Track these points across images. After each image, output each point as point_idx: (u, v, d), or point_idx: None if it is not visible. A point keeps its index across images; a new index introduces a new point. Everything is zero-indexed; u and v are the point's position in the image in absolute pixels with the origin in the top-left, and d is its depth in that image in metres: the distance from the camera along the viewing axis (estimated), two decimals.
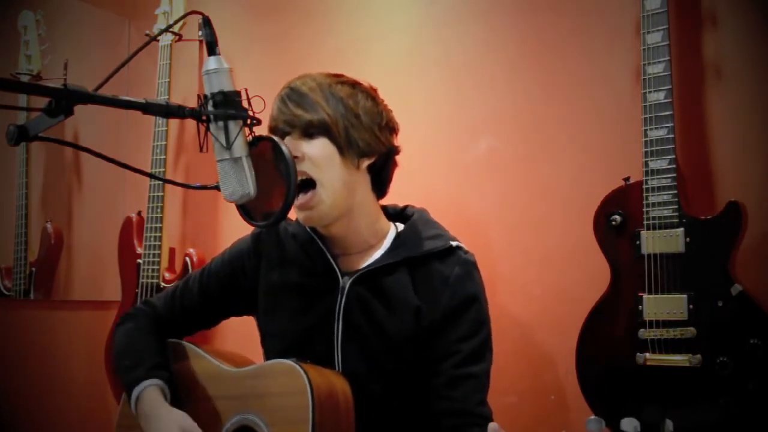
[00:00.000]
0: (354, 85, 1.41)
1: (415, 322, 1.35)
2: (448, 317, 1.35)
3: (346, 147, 1.35)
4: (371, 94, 1.42)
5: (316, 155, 1.34)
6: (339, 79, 1.40)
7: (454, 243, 1.40)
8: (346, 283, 1.38)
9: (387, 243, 1.44)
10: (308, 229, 1.44)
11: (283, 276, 1.45)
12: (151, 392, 1.37)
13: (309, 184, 1.34)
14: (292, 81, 1.40)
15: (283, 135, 1.36)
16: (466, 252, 1.42)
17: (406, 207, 1.53)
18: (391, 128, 1.45)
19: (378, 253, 1.42)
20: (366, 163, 1.39)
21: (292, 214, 1.37)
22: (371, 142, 1.38)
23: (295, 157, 1.31)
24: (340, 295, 1.38)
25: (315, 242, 1.43)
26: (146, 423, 1.35)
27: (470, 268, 1.39)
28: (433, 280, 1.37)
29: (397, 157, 1.48)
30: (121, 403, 1.49)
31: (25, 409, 2.46)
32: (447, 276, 1.37)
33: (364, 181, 1.42)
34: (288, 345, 1.40)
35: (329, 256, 1.41)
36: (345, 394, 1.32)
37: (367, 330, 1.36)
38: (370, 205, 1.44)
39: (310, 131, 1.34)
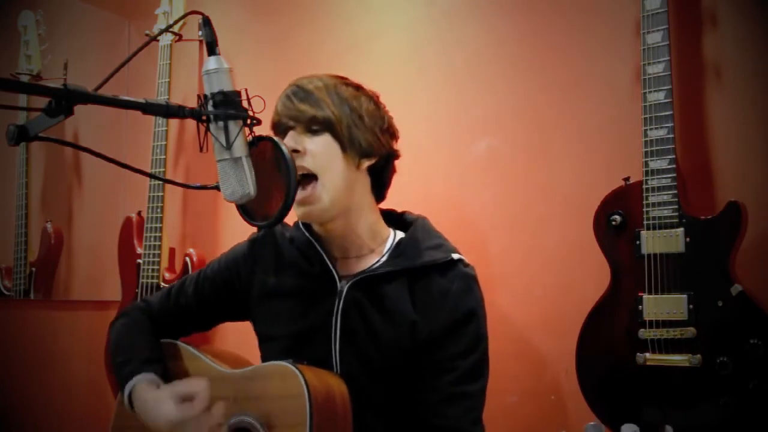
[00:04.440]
0: (358, 88, 1.42)
1: (411, 336, 1.34)
2: (447, 332, 1.34)
3: (349, 145, 1.35)
4: (374, 98, 1.44)
5: (319, 151, 1.34)
6: (344, 81, 1.41)
7: (455, 256, 1.39)
8: (343, 287, 1.37)
9: (386, 249, 1.43)
10: (306, 233, 1.44)
11: (280, 280, 1.44)
12: (144, 386, 1.35)
13: (309, 178, 1.34)
14: (298, 79, 1.41)
15: (286, 130, 1.37)
16: (467, 265, 1.40)
17: (403, 213, 1.52)
18: (392, 133, 1.45)
19: (377, 259, 1.41)
20: (366, 163, 1.40)
21: (290, 219, 1.36)
22: (373, 143, 1.39)
23: (297, 151, 1.33)
24: (337, 299, 1.37)
25: (313, 245, 1.42)
26: (143, 411, 1.33)
27: (470, 282, 1.38)
28: (432, 294, 1.36)
29: (397, 162, 1.48)
30: (116, 405, 1.48)
31: (25, 409, 2.47)
32: (447, 290, 1.35)
33: (363, 182, 1.42)
34: (286, 348, 1.40)
35: (327, 260, 1.40)
36: (342, 396, 1.31)
37: (363, 334, 1.35)
38: (369, 207, 1.43)
39: (313, 127, 1.35)
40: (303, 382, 1.25)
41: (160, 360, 1.44)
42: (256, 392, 1.33)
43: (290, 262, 1.44)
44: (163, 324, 1.53)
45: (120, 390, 1.41)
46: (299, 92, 1.37)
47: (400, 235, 1.46)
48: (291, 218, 1.40)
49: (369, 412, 1.34)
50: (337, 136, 1.35)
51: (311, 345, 1.38)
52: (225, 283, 1.50)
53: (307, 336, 1.39)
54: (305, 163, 1.33)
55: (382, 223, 1.47)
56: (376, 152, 1.40)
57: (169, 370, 1.45)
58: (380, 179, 1.46)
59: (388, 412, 1.36)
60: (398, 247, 1.42)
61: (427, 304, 1.36)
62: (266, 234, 1.50)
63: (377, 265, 1.40)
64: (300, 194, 1.33)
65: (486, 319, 1.39)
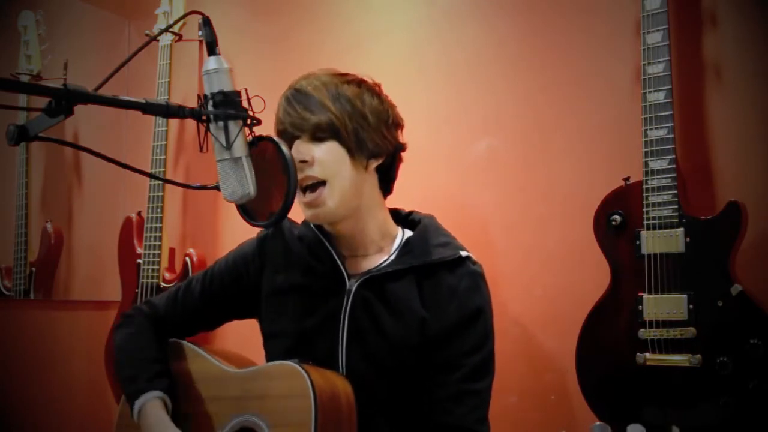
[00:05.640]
0: (360, 83, 1.40)
1: (420, 333, 1.34)
2: (455, 330, 1.34)
3: (356, 149, 1.35)
4: (376, 91, 1.42)
5: (327, 159, 1.33)
6: (344, 78, 1.39)
7: (463, 253, 1.39)
8: (352, 285, 1.37)
9: (395, 248, 1.43)
10: (316, 231, 1.44)
11: (289, 278, 1.44)
12: (153, 405, 1.36)
13: (317, 183, 1.34)
14: (297, 81, 1.39)
15: (292, 138, 1.35)
16: (474, 262, 1.40)
17: (411, 213, 1.52)
18: (397, 125, 1.44)
19: (386, 258, 1.41)
20: (375, 164, 1.40)
21: (298, 217, 1.36)
22: (380, 143, 1.38)
23: (305, 161, 1.32)
24: (346, 298, 1.37)
25: (323, 243, 1.42)
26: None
27: (478, 279, 1.38)
28: (440, 291, 1.36)
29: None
30: (120, 404, 1.48)
31: (25, 409, 2.46)
32: (455, 288, 1.36)
33: (371, 181, 1.41)
34: (292, 345, 1.40)
35: (336, 258, 1.40)
36: (347, 396, 1.31)
37: (371, 333, 1.35)
38: (377, 205, 1.43)
39: (319, 135, 1.34)
40: (308, 382, 1.25)
41: (166, 372, 1.44)
42: (261, 392, 1.33)
43: (299, 260, 1.44)
44: (169, 326, 1.53)
45: (127, 403, 1.42)
46: (299, 96, 1.36)
47: (408, 233, 1.46)
48: (299, 216, 1.40)
49: (375, 411, 1.34)
50: (343, 142, 1.34)
51: (317, 343, 1.38)
52: (233, 280, 1.50)
53: (314, 334, 1.39)
54: (314, 172, 1.33)
55: (390, 222, 1.47)
56: (383, 151, 1.40)
57: (175, 371, 1.45)
58: (388, 174, 1.45)
59: (394, 411, 1.36)
60: (406, 246, 1.42)
61: (435, 301, 1.36)
62: (275, 231, 1.49)
63: (386, 263, 1.40)
64: (308, 197, 1.34)
65: (492, 317, 1.40)
